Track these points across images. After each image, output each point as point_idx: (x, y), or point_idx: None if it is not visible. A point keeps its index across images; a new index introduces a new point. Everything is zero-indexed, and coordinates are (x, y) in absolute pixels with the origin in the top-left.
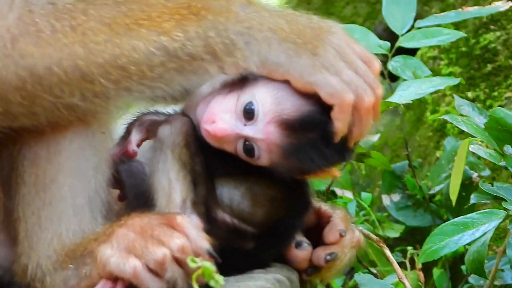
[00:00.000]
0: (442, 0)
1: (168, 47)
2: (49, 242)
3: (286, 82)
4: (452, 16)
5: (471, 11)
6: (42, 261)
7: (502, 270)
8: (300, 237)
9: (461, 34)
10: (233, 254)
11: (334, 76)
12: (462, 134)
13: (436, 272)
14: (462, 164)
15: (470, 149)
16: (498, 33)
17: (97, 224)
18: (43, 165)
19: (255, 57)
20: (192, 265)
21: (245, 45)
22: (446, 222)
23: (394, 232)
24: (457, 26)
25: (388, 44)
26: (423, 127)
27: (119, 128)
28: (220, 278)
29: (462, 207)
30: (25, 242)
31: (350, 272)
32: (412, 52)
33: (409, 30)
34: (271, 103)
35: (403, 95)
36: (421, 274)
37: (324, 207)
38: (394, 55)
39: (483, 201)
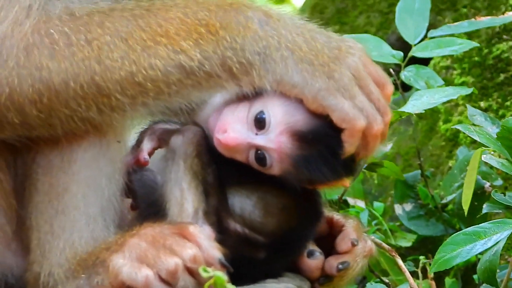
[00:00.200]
0: (455, 10)
1: (186, 65)
2: (61, 251)
3: None
4: (465, 26)
5: (484, 21)
6: (54, 269)
7: None
8: (312, 246)
9: (474, 44)
10: (245, 263)
11: (348, 100)
12: (474, 143)
13: (448, 281)
14: (475, 174)
15: (482, 158)
16: (511, 43)
17: (109, 233)
18: (56, 173)
19: (271, 76)
20: (204, 274)
21: (262, 64)
22: (458, 232)
23: (406, 242)
24: (470, 36)
25: (401, 53)
26: (436, 136)
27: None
28: (232, 287)
29: (474, 216)
30: (37, 250)
31: (362, 281)
32: (425, 61)
33: (422, 40)
34: (283, 114)
35: (416, 104)
36: (433, 284)
37: (337, 216)
38: (407, 65)
39: (495, 211)
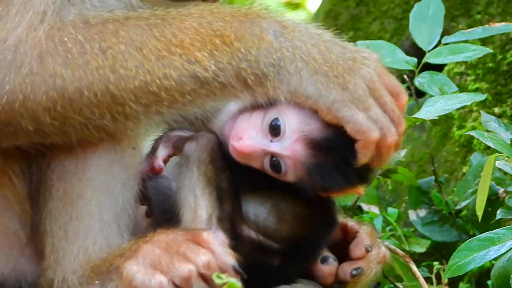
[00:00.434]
0: (469, 16)
1: (200, 76)
2: (75, 257)
3: None
4: (479, 32)
5: (498, 27)
6: (68, 275)
7: None
8: (326, 253)
9: (488, 50)
10: (258, 270)
11: (362, 112)
12: (488, 149)
13: (462, 287)
14: (488, 180)
15: (496, 164)
16: None
17: (123, 240)
18: (71, 180)
19: (285, 88)
20: (217, 281)
21: (276, 75)
22: (472, 238)
23: (420, 247)
24: (484, 42)
25: (415, 60)
26: (450, 142)
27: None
28: None
29: (488, 222)
30: (51, 256)
31: (376, 287)
32: (439, 68)
33: (436, 46)
34: (298, 122)
35: (430, 111)
36: None
37: (350, 222)
38: (421, 71)
39: (509, 217)
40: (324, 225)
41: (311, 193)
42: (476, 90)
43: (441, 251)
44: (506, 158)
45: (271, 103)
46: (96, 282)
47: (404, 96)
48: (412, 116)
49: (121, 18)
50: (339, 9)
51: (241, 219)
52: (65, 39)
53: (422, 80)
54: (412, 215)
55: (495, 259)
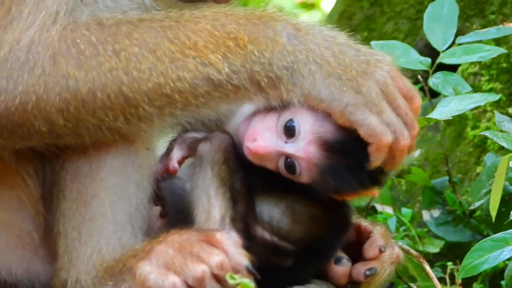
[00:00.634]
0: (483, 17)
1: (214, 78)
2: (89, 258)
3: None
4: (493, 32)
5: None
6: (81, 276)
7: None
8: (339, 253)
9: (502, 50)
10: (272, 270)
11: (375, 116)
12: (502, 150)
13: (476, 287)
14: (502, 180)
15: (510, 164)
16: None
17: (137, 241)
18: (85, 180)
19: (299, 91)
20: (231, 281)
21: (289, 78)
22: (486, 238)
23: (434, 248)
24: (498, 42)
25: (429, 60)
26: (464, 143)
27: (162, 145)
28: None
29: (502, 222)
30: (64, 257)
31: None
32: (453, 68)
33: (450, 46)
34: (312, 123)
35: (444, 111)
36: None
37: (364, 223)
38: (435, 71)
39: None
40: (338, 227)
41: (325, 195)
42: (490, 90)
43: (455, 252)
44: None
45: (285, 105)
46: (110, 282)
47: (418, 99)
48: (426, 116)
49: (135, 20)
50: (353, 10)
51: (254, 220)
52: (78, 40)
53: (436, 81)
54: (426, 215)
55: (509, 259)
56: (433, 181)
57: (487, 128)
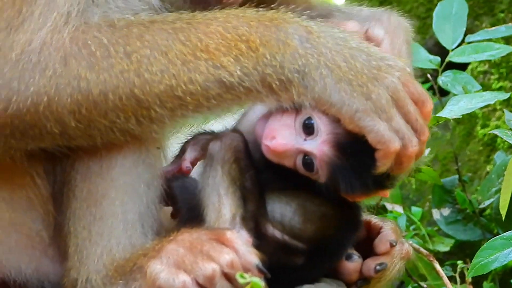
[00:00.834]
0: (493, 15)
1: (225, 81)
2: (99, 257)
3: None
4: (502, 30)
5: None
6: (91, 275)
7: None
8: (350, 250)
9: (511, 48)
10: (282, 269)
11: (384, 122)
12: None
13: (486, 286)
14: None
15: None
16: None
17: (147, 240)
18: (95, 180)
19: (309, 94)
20: (241, 280)
21: (301, 82)
22: (496, 236)
23: (444, 246)
24: (507, 40)
25: (438, 59)
26: (473, 141)
27: (173, 145)
28: None
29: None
30: (75, 256)
31: (400, 286)
32: (462, 66)
33: (459, 45)
34: (328, 123)
35: (453, 109)
36: None
37: (374, 219)
38: (444, 70)
39: None
40: (348, 226)
41: (336, 195)
42: (500, 88)
43: (464, 250)
44: None
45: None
46: (120, 281)
47: (430, 103)
48: (436, 115)
49: (146, 22)
50: None
51: (265, 219)
52: (89, 42)
53: (445, 79)
54: (435, 214)
55: None
56: (443, 180)
57: (497, 127)
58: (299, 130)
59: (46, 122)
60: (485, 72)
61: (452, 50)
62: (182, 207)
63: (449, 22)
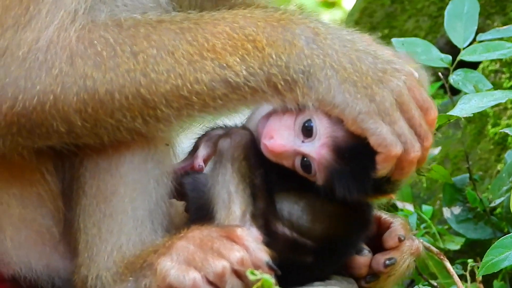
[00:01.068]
0: (504, 14)
1: (231, 81)
2: (109, 254)
3: None
4: None
5: None
6: (101, 272)
7: None
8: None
9: None
10: (292, 267)
11: (387, 125)
12: None
13: (496, 284)
14: None
15: None
16: None
17: (157, 236)
18: (104, 176)
19: (313, 95)
20: (251, 277)
21: (305, 82)
22: (507, 235)
23: (454, 245)
24: None
25: (449, 57)
26: (484, 140)
27: (183, 141)
28: None
29: None
30: (85, 253)
31: (410, 285)
32: (473, 65)
33: (470, 44)
34: (328, 126)
35: (464, 108)
36: (482, 287)
37: (384, 215)
38: (455, 69)
39: None
40: (358, 225)
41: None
42: (511, 87)
43: (475, 249)
44: None
45: (303, 106)
46: (130, 278)
47: (434, 111)
48: (447, 113)
49: (154, 22)
50: (374, 7)
51: (275, 216)
52: (95, 42)
53: (457, 78)
54: (446, 212)
55: None
56: (453, 179)
57: (508, 126)
58: (298, 132)
59: (53, 121)
60: (496, 71)
61: (464, 48)
62: (191, 204)
63: (460, 21)
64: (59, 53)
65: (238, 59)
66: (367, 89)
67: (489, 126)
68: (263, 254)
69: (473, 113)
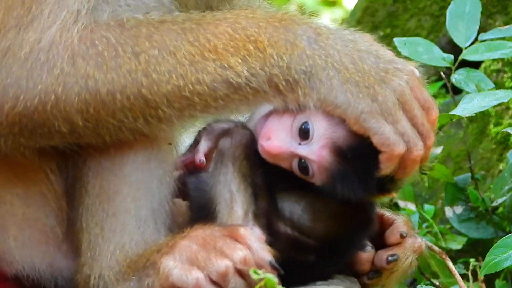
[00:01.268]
0: (506, 13)
1: (233, 81)
2: (112, 253)
3: None
4: None
5: None
6: (104, 272)
7: None
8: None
9: None
10: (295, 266)
11: (390, 125)
12: None
13: (498, 283)
14: None
15: None
16: None
17: (160, 236)
18: (107, 176)
19: (315, 95)
20: (254, 277)
21: (307, 83)
22: (509, 234)
23: (456, 244)
24: None
25: (451, 57)
26: (486, 139)
27: (186, 141)
28: None
29: None
30: (87, 252)
31: (412, 284)
32: (475, 65)
33: (472, 43)
34: (326, 128)
35: (467, 107)
36: (484, 286)
37: (387, 213)
38: (457, 68)
39: None
40: (360, 224)
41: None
42: None
43: (477, 248)
44: None
45: (302, 107)
46: (133, 277)
47: (435, 111)
48: (449, 113)
49: (156, 22)
50: (376, 6)
51: (276, 215)
52: (97, 42)
53: (458, 77)
54: (448, 212)
55: None
56: (455, 178)
57: (510, 125)
58: (295, 134)
59: (54, 121)
60: (498, 71)
61: (466, 48)
62: (194, 203)
63: (462, 20)
64: (61, 53)
65: (239, 60)
66: (369, 88)
67: (491, 126)
68: (266, 254)
69: (475, 113)
